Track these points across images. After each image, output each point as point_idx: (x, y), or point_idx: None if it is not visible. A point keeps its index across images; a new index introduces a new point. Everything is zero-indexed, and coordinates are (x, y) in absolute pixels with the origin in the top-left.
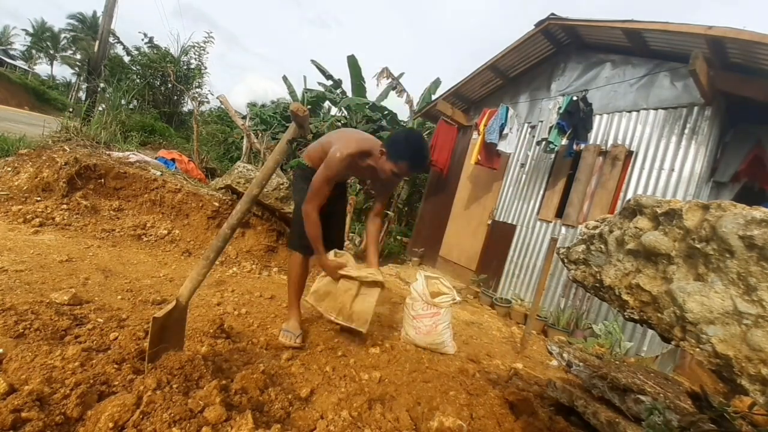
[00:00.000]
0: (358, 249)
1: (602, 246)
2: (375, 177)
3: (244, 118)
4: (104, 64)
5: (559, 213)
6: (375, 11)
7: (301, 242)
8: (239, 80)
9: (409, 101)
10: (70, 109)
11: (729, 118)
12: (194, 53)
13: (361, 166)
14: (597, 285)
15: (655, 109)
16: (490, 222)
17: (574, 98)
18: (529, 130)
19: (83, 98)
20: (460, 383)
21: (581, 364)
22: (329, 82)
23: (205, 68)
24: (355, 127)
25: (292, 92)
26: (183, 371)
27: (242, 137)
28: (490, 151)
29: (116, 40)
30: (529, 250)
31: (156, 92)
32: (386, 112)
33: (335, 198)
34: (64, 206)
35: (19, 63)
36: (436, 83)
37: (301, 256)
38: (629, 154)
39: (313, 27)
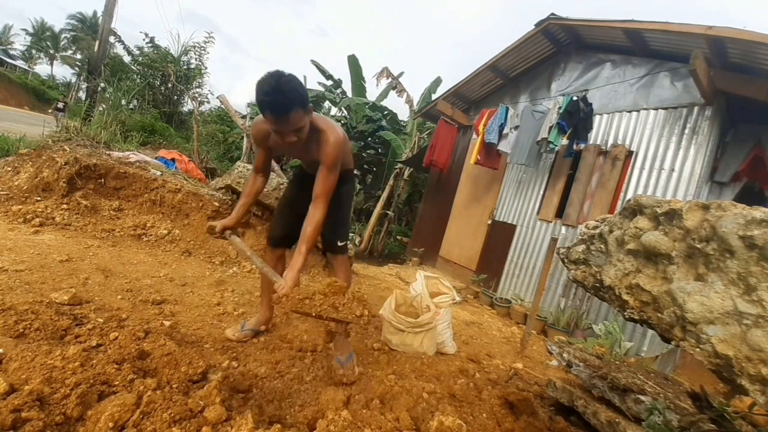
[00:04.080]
0: (357, 249)
1: (602, 246)
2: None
3: (244, 117)
4: (104, 63)
5: (559, 213)
6: (373, 18)
7: (272, 234)
8: (239, 80)
9: (409, 101)
10: (58, 104)
11: (729, 118)
12: (194, 53)
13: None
14: (597, 285)
15: (655, 109)
16: (490, 222)
17: (574, 98)
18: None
19: (83, 98)
20: (460, 383)
21: (581, 364)
22: (329, 82)
23: (206, 68)
24: (355, 127)
25: None
26: (183, 371)
27: (242, 137)
28: (489, 151)
29: (117, 39)
30: (529, 250)
31: (156, 92)
32: (386, 112)
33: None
34: (64, 206)
35: (19, 63)
36: (437, 82)
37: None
38: (629, 154)
39: (313, 35)
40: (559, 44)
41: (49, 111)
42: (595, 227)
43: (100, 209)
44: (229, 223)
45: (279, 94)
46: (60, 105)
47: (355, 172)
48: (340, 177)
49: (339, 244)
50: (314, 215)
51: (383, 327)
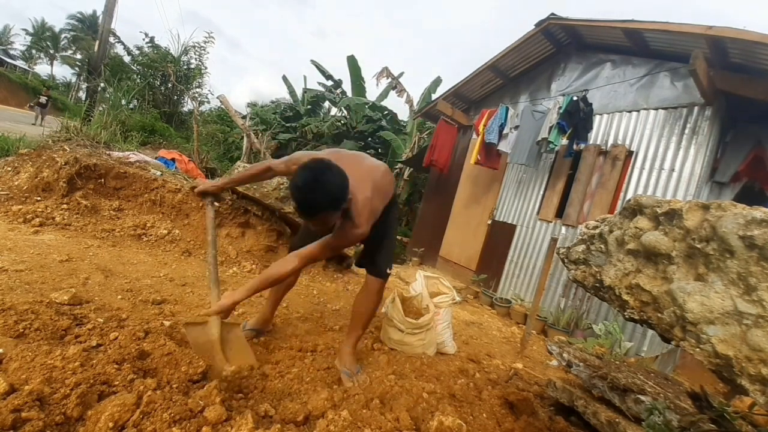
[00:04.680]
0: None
1: (602, 246)
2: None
3: (244, 117)
4: (104, 63)
5: (559, 213)
6: (372, 19)
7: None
8: (239, 81)
9: (410, 101)
10: (40, 98)
11: (729, 118)
12: (194, 53)
13: None
14: (597, 285)
15: (655, 109)
16: (490, 222)
17: (574, 98)
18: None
19: (83, 98)
20: (460, 383)
21: (581, 364)
22: (329, 83)
23: (206, 68)
24: (355, 127)
25: (292, 92)
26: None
27: (242, 137)
28: (490, 151)
29: (117, 40)
30: (529, 250)
31: (156, 92)
32: (386, 112)
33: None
34: (64, 206)
35: (19, 63)
36: (437, 82)
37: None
38: (629, 154)
39: (313, 37)
40: (559, 44)
41: (28, 106)
42: (595, 227)
43: (100, 209)
44: (210, 189)
45: (311, 194)
46: (42, 100)
47: None
48: (389, 205)
49: (389, 271)
50: (286, 266)
51: (383, 326)
